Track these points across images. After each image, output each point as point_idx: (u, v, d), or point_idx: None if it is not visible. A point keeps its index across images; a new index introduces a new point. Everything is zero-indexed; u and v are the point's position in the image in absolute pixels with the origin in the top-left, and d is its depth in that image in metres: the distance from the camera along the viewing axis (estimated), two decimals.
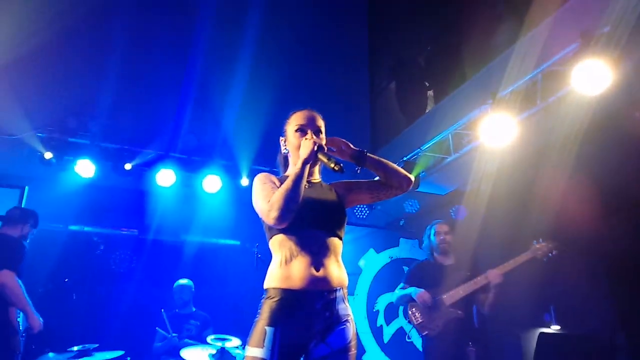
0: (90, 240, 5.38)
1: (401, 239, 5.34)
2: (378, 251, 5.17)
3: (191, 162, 5.49)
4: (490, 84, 4.26)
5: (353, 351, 1.79)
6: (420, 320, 3.61)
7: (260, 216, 1.87)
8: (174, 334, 4.39)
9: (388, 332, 4.89)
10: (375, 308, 4.95)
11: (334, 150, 2.05)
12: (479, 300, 3.57)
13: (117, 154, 5.23)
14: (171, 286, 4.94)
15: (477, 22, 5.00)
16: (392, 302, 3.84)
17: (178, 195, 5.65)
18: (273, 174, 2.07)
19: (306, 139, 1.94)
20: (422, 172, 5.34)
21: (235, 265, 5.00)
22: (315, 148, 1.85)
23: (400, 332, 4.94)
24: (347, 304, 1.87)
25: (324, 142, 2.00)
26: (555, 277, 3.34)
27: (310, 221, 1.86)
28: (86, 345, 3.72)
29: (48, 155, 4.92)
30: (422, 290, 3.59)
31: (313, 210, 1.88)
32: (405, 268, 5.19)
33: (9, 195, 4.26)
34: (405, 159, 5.29)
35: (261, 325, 1.72)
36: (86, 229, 5.70)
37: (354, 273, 4.96)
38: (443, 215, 5.51)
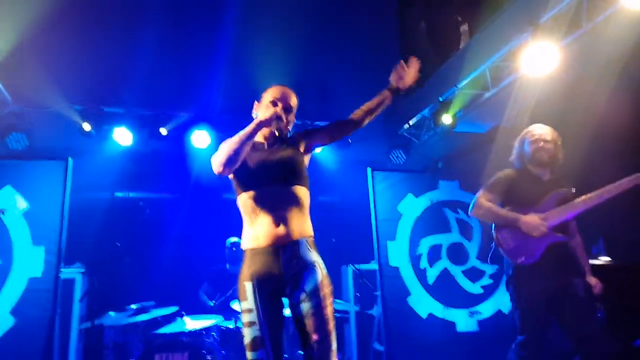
0: (137, 205, 5.57)
1: (440, 181, 5.23)
2: (417, 195, 5.10)
3: (224, 121, 5.51)
4: (530, 10, 3.97)
5: (325, 290, 2.00)
6: (513, 245, 2.86)
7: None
8: (212, 302, 4.54)
9: (432, 274, 4.89)
10: (418, 252, 4.94)
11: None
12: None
13: (152, 120, 5.29)
14: (215, 243, 5.09)
15: None
16: (469, 216, 3.11)
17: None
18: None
19: (273, 108, 2.14)
20: (459, 110, 5.15)
21: None
22: (274, 118, 2.06)
23: (445, 273, 4.94)
24: (313, 251, 2.06)
25: (291, 119, 2.24)
26: (603, 208, 3.05)
27: (268, 178, 2.05)
28: (143, 303, 3.94)
29: (87, 126, 5.03)
30: (531, 215, 2.81)
31: (269, 168, 2.08)
32: (446, 209, 5.14)
33: (54, 168, 4.42)
34: (441, 99, 5.11)
35: (242, 282, 2.01)
36: (131, 194, 5.90)
37: (394, 219, 4.93)
38: (483, 155, 5.35)
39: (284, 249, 1.98)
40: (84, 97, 5.13)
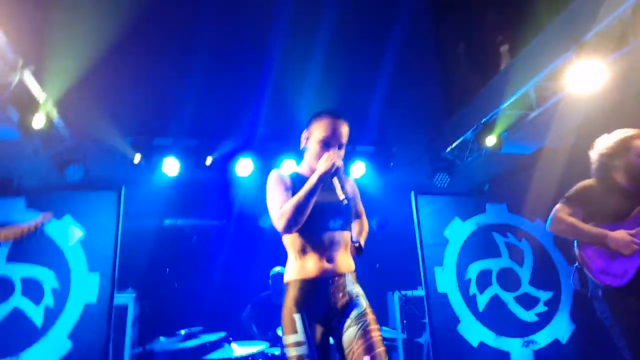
0: (184, 232, 5.73)
1: (487, 204, 5.09)
2: (463, 219, 4.98)
3: (267, 149, 5.63)
4: (573, 28, 3.90)
5: (371, 316, 2.01)
6: (601, 265, 2.57)
7: (272, 220, 2.05)
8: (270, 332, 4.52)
9: (482, 300, 4.72)
10: (467, 277, 4.79)
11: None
12: None
13: (198, 149, 5.48)
14: (260, 269, 5.13)
15: None
16: (548, 231, 2.77)
17: (258, 182, 5.83)
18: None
19: (329, 153, 2.05)
20: (504, 131, 5.06)
21: None
22: (333, 170, 2.00)
23: (495, 299, 4.76)
24: (356, 284, 2.12)
25: (342, 155, 2.15)
26: None
27: (323, 224, 2.06)
28: (192, 329, 4.00)
29: (137, 157, 5.28)
30: (620, 231, 2.53)
31: (322, 214, 2.06)
32: (495, 233, 5.00)
33: (108, 197, 4.63)
34: (483, 120, 5.04)
35: (290, 314, 1.97)
36: (179, 222, 6.07)
37: (440, 244, 4.83)
38: (531, 175, 5.20)
39: (332, 281, 2.02)
40: (135, 129, 5.39)
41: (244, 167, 5.44)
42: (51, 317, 4.20)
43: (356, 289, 2.08)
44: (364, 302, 2.05)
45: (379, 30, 6.27)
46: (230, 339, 3.99)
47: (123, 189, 4.65)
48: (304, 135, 2.21)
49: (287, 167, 5.44)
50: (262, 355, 4.07)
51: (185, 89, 5.57)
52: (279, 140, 5.68)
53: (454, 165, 5.81)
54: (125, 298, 4.72)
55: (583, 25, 3.77)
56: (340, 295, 2.02)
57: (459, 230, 4.94)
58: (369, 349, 1.90)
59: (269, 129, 5.77)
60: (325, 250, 2.04)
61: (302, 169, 2.22)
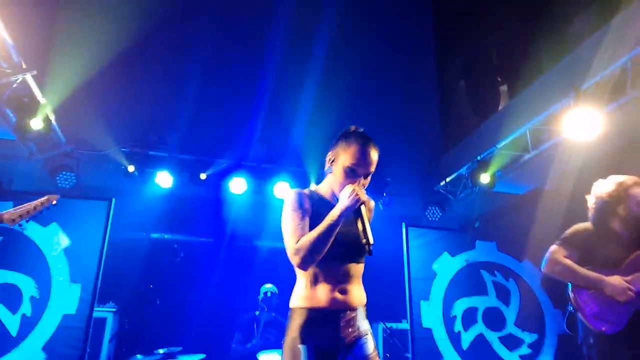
0: (171, 247, 5.66)
1: (477, 241, 5.11)
2: (453, 254, 4.98)
3: (261, 170, 5.64)
4: (572, 75, 3.99)
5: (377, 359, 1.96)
6: (596, 310, 2.55)
7: (286, 249, 1.92)
8: (249, 345, 4.47)
9: (467, 338, 4.69)
10: (452, 313, 4.77)
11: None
12: None
13: (193, 165, 5.46)
14: (246, 291, 5.06)
15: (555, 9, 4.71)
16: (542, 273, 2.73)
17: (250, 202, 5.81)
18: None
19: (354, 186, 1.89)
20: (498, 170, 5.11)
21: None
22: (357, 207, 1.85)
23: (480, 338, 4.72)
24: (365, 320, 2.00)
25: (367, 184, 2.00)
26: None
27: (336, 254, 1.92)
28: (171, 348, 3.90)
29: (131, 168, 5.24)
30: (615, 277, 2.53)
31: (339, 245, 1.91)
32: (483, 271, 4.99)
33: (97, 207, 4.57)
34: (479, 158, 5.09)
35: (294, 344, 1.84)
36: (166, 236, 6.00)
37: (428, 277, 4.81)
38: (521, 215, 5.23)
39: (343, 315, 1.91)
40: (131, 140, 5.37)
41: (237, 185, 5.43)
42: (27, 327, 4.08)
43: (365, 325, 1.98)
44: (372, 343, 1.95)
45: (380, 57, 6.35)
46: None
47: (113, 200, 4.59)
48: (329, 156, 2.04)
49: (282, 189, 5.43)
50: None
51: (182, 105, 5.60)
52: (273, 162, 5.69)
53: (447, 199, 5.83)
54: (105, 312, 4.61)
55: (582, 74, 3.85)
56: (350, 330, 1.91)
57: (447, 265, 4.93)
58: None
59: (264, 151, 5.79)
60: (339, 281, 1.93)
61: (324, 190, 2.08)
